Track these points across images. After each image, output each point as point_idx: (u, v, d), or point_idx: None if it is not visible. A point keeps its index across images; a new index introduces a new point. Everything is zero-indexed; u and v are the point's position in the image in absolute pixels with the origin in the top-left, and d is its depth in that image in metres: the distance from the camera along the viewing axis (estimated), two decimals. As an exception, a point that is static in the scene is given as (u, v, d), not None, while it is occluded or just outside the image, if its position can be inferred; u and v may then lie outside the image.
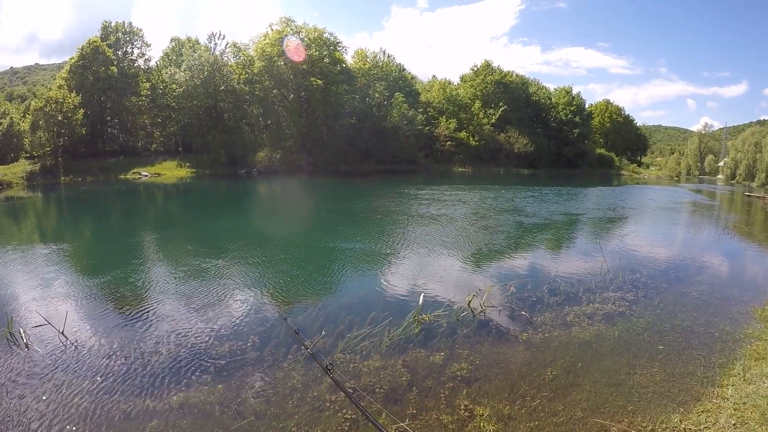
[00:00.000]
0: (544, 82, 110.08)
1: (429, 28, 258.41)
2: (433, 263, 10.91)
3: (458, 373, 5.17)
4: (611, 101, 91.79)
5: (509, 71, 65.70)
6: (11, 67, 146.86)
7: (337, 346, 5.80)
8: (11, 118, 63.37)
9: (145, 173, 47.20)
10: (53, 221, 25.42)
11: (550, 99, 70.83)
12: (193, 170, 47.57)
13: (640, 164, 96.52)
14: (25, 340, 6.13)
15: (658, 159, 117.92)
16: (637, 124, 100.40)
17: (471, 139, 56.21)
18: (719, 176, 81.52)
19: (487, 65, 64.02)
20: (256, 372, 5.15)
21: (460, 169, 55.32)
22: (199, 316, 7.04)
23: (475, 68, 64.63)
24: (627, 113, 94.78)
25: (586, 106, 78.41)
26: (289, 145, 47.86)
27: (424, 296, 7.25)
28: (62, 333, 6.34)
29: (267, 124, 49.55)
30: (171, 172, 47.83)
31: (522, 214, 20.84)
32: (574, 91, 74.18)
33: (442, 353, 5.65)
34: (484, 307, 7.06)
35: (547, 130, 68.31)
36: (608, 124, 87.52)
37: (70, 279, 10.65)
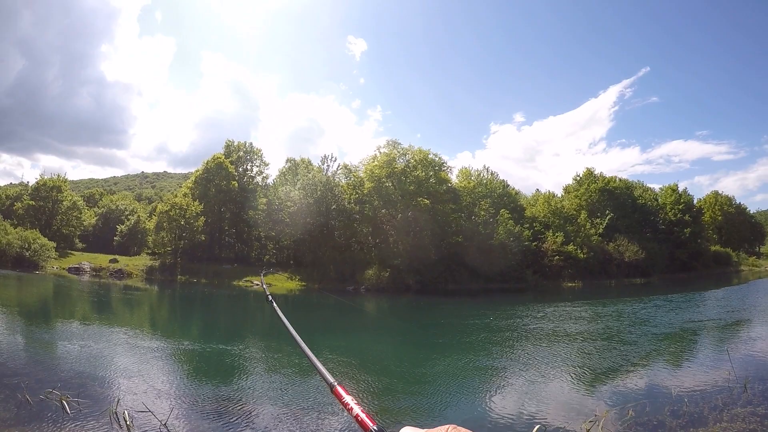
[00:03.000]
0: (648, 182, 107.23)
1: (528, 141, 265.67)
2: (546, 384, 10.16)
3: None
4: (720, 192, 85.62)
5: (612, 177, 63.85)
6: (142, 172, 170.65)
7: None
8: (138, 216, 71.34)
9: (257, 282, 49.38)
10: (167, 315, 26.63)
11: (657, 200, 67.14)
12: (303, 283, 49.27)
13: (759, 256, 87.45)
14: (128, 422, 6.17)
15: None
16: (751, 212, 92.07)
17: (579, 251, 53.80)
18: None
19: (590, 173, 62.72)
20: None
21: (570, 284, 52.60)
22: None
23: (578, 177, 63.57)
24: (738, 202, 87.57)
25: (695, 201, 73.42)
26: (397, 263, 48.39)
27: (538, 428, 6.55)
28: (165, 425, 6.28)
29: (376, 243, 50.88)
30: (281, 283, 49.89)
31: (638, 327, 19.28)
32: (681, 188, 70.17)
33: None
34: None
35: (656, 233, 64.08)
36: (720, 218, 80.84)
37: (178, 374, 10.46)
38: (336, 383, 0.94)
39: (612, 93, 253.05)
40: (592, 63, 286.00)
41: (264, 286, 2.87)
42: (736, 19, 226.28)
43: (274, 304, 2.12)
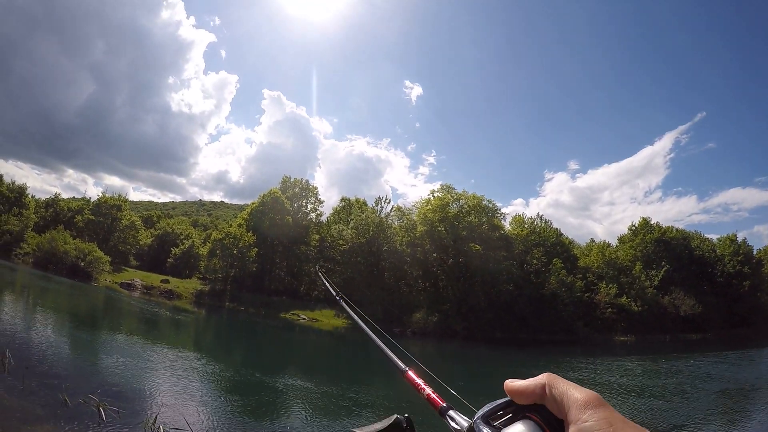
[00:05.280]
0: (706, 232, 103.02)
1: (582, 189, 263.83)
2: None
3: None
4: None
5: (668, 227, 62.25)
6: (200, 200, 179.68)
7: None
8: (193, 241, 74.12)
9: (304, 316, 50.41)
10: (212, 340, 27.10)
11: (714, 251, 64.61)
12: (349, 321, 49.49)
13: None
14: None
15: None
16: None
17: (633, 304, 52.42)
18: None
19: (645, 223, 61.33)
20: None
21: (622, 338, 51.22)
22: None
23: (633, 227, 62.26)
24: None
25: (754, 252, 70.13)
26: (445, 308, 48.55)
27: None
28: None
29: (425, 287, 51.28)
30: (328, 319, 50.62)
31: (692, 386, 18.66)
32: (740, 238, 67.27)
33: None
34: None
35: (714, 286, 61.52)
36: (781, 269, 76.60)
37: (217, 398, 10.62)
38: (407, 369, 1.06)
39: (668, 140, 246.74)
40: (647, 109, 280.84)
41: (328, 284, 2.87)
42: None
43: (343, 303, 2.26)
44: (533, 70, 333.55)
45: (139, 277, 55.44)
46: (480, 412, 0.66)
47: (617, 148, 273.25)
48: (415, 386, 0.93)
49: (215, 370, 16.14)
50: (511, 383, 0.66)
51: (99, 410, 8.18)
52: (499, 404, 0.66)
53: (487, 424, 0.64)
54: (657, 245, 59.07)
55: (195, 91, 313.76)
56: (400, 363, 1.14)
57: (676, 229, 63.41)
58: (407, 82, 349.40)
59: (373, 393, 15.96)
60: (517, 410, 0.64)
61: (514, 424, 0.63)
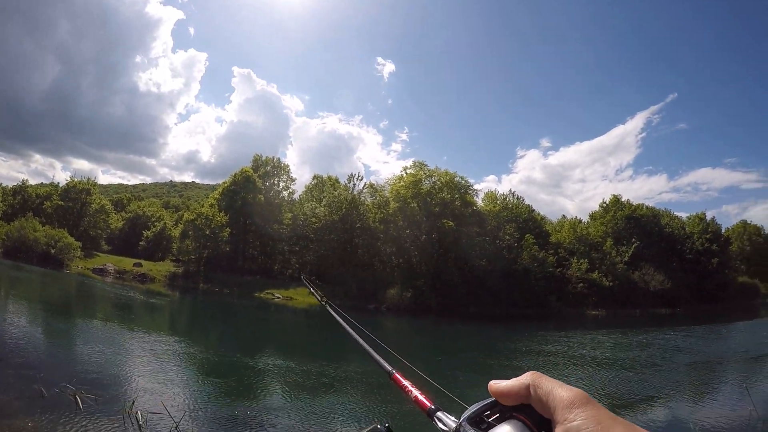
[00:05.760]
0: (675, 210, 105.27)
1: (554, 167, 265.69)
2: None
3: None
4: (748, 221, 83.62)
5: (639, 204, 63.33)
6: (170, 181, 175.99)
7: None
8: (165, 223, 72.70)
9: (278, 295, 49.87)
10: (187, 322, 26.97)
11: (684, 229, 65.98)
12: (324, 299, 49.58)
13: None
14: (140, 422, 6.37)
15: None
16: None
17: (604, 279, 53.18)
18: None
19: (617, 200, 62.16)
20: None
21: (593, 313, 51.94)
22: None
23: (604, 204, 63.03)
24: (767, 232, 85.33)
25: (723, 230, 71.91)
26: (419, 284, 48.47)
27: None
28: (177, 427, 6.45)
29: (399, 263, 51.06)
30: (302, 297, 50.11)
31: (661, 359, 19.41)
32: (708, 217, 68.92)
33: None
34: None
35: (683, 263, 62.89)
36: (748, 248, 78.93)
37: (195, 380, 10.62)
38: (394, 371, 1.04)
39: (639, 119, 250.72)
40: (620, 89, 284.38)
41: (313, 290, 2.87)
42: (766, 46, 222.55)
43: (328, 307, 2.27)
44: (507, 47, 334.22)
45: (111, 262, 54.37)
46: (466, 414, 0.64)
47: (589, 126, 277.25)
48: (402, 388, 0.92)
49: (192, 352, 15.96)
50: (495, 384, 0.65)
51: (76, 399, 8.01)
52: (485, 405, 0.65)
53: (474, 425, 0.62)
54: (627, 222, 60.01)
55: (163, 70, 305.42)
56: (386, 365, 1.11)
57: (647, 207, 64.64)
58: (379, 59, 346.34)
59: (351, 369, 15.92)
60: (503, 410, 0.63)
61: (501, 425, 0.61)
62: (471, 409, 0.65)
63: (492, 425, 0.62)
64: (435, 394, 0.83)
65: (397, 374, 1.00)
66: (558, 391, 0.58)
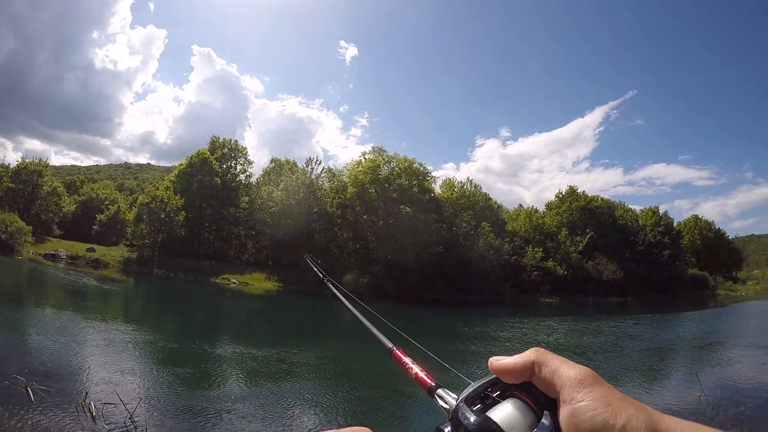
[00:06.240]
0: (630, 203, 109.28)
1: (512, 156, 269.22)
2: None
3: None
4: (700, 216, 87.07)
5: (594, 196, 64.78)
6: (125, 162, 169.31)
7: None
8: (119, 206, 70.41)
9: (234, 280, 48.97)
10: (141, 309, 26.37)
11: (637, 221, 68.07)
12: (280, 284, 48.76)
13: (736, 280, 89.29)
14: (93, 413, 6.31)
15: (755, 272, 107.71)
16: (729, 237, 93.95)
17: (558, 268, 54.24)
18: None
19: (572, 191, 63.46)
20: None
21: (547, 300, 52.96)
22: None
23: (560, 195, 64.31)
24: (717, 227, 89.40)
25: (675, 224, 74.63)
26: (376, 270, 48.26)
27: None
28: (131, 416, 6.44)
29: (356, 248, 50.66)
30: (259, 283, 49.35)
31: (611, 345, 20.04)
32: (661, 210, 71.36)
33: None
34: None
35: (635, 254, 64.85)
36: (699, 241, 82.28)
37: (149, 368, 10.46)
38: (394, 347, 1.00)
39: (598, 114, 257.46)
40: (580, 83, 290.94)
41: (316, 268, 3.01)
42: (723, 48, 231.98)
43: (330, 285, 2.36)
44: (472, 35, 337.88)
45: (63, 247, 52.41)
46: (464, 393, 0.62)
47: (549, 118, 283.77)
48: (403, 365, 0.91)
49: (147, 340, 15.41)
50: (497, 361, 0.61)
51: (27, 391, 7.65)
52: (484, 383, 0.62)
53: (473, 404, 0.59)
54: (582, 213, 61.42)
55: (120, 47, 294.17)
56: (387, 342, 1.10)
57: (602, 199, 66.28)
58: (342, 42, 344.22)
59: (310, 356, 15.68)
60: (503, 389, 0.60)
61: (501, 404, 0.58)
62: (469, 389, 0.62)
63: (496, 401, 0.59)
64: (437, 373, 0.82)
65: (397, 351, 0.97)
66: (564, 369, 0.55)
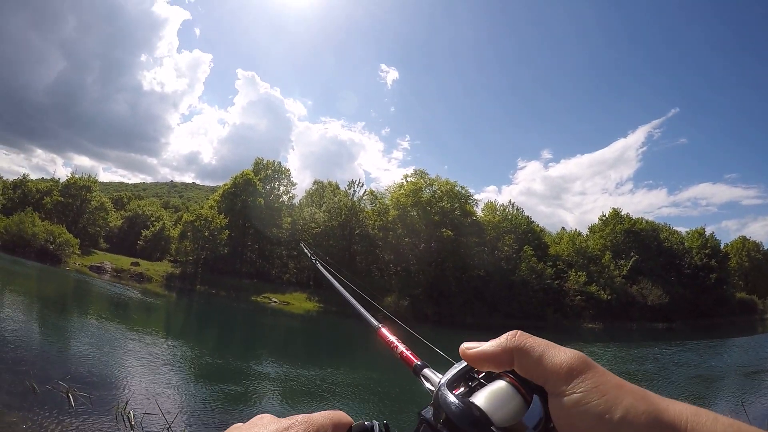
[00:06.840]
0: (675, 225, 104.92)
1: (554, 178, 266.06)
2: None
3: None
4: (748, 237, 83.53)
5: (638, 218, 63.44)
6: (171, 181, 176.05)
7: None
8: (164, 223, 72.48)
9: (275, 300, 49.76)
10: (183, 323, 26.76)
11: (683, 244, 65.97)
12: (321, 305, 49.31)
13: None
14: (132, 423, 6.35)
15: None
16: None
17: (602, 292, 53.13)
18: None
19: (616, 214, 62.26)
20: None
21: (590, 326, 51.89)
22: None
23: (604, 218, 63.12)
24: (766, 248, 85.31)
25: (722, 246, 71.91)
26: (417, 293, 48.41)
27: None
28: (170, 427, 6.39)
29: (397, 271, 50.99)
30: (299, 303, 50.07)
31: (656, 373, 19.05)
32: (707, 232, 68.89)
33: None
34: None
35: (681, 278, 62.84)
36: (747, 264, 78.80)
37: (189, 381, 10.53)
38: (380, 326, 1.01)
39: (641, 133, 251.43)
40: (621, 103, 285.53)
41: (308, 251, 3.09)
42: (765, 61, 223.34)
43: (318, 264, 2.37)
44: (511, 59, 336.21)
45: (108, 260, 54.00)
46: (447, 375, 0.57)
47: (591, 139, 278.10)
48: (389, 344, 0.89)
49: (187, 355, 15.84)
50: (468, 348, 0.54)
51: (68, 396, 7.93)
52: (467, 366, 0.57)
53: (457, 387, 0.55)
54: (626, 236, 60.04)
55: (168, 70, 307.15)
56: (372, 320, 1.07)
57: (646, 221, 64.67)
58: (383, 66, 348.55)
59: (352, 376, 15.79)
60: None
61: (486, 386, 0.53)
62: (454, 369, 0.58)
63: (482, 384, 0.54)
64: (424, 351, 0.82)
65: (383, 329, 0.96)
66: (550, 356, 0.48)
